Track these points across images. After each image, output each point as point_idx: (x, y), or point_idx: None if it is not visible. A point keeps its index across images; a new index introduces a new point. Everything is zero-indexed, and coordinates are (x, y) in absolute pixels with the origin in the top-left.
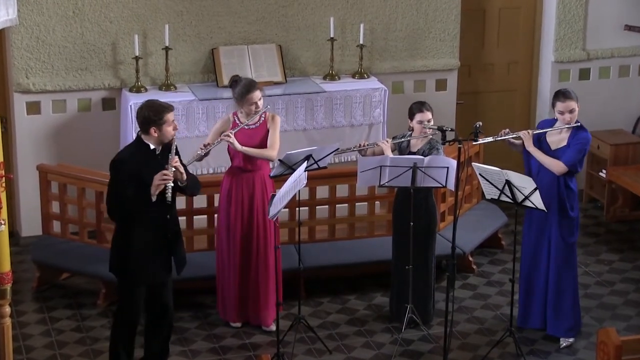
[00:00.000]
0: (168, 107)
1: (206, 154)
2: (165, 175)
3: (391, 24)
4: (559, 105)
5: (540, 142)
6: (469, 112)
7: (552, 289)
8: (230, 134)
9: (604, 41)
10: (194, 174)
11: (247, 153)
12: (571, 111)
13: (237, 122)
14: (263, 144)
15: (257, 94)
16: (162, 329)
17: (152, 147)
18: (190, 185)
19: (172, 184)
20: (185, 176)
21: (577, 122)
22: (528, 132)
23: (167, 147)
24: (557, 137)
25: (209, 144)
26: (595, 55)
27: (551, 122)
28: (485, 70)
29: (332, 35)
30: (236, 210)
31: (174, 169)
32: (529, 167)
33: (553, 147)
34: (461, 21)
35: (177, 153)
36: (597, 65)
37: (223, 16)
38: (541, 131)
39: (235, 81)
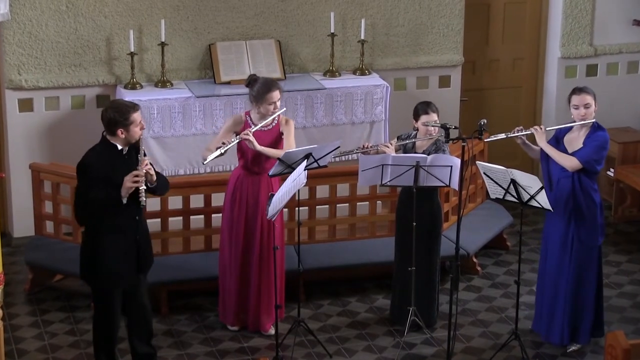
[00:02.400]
0: (133, 107)
1: (222, 154)
2: (136, 176)
3: (393, 19)
4: (574, 99)
5: (557, 144)
6: (473, 110)
7: (571, 297)
8: (249, 133)
9: (612, 36)
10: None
11: (265, 153)
12: (586, 105)
13: (250, 122)
14: (275, 146)
15: (276, 94)
16: (142, 330)
17: (119, 147)
18: (159, 186)
19: (145, 186)
20: (155, 177)
21: (596, 122)
22: (540, 128)
23: (134, 146)
24: (574, 138)
25: (227, 142)
26: (603, 51)
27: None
28: (489, 67)
29: (332, 31)
30: (240, 213)
31: (145, 170)
32: (548, 174)
33: (570, 149)
34: (465, 16)
35: (144, 154)
36: (605, 61)
37: (221, 11)
38: (554, 127)
39: (254, 80)
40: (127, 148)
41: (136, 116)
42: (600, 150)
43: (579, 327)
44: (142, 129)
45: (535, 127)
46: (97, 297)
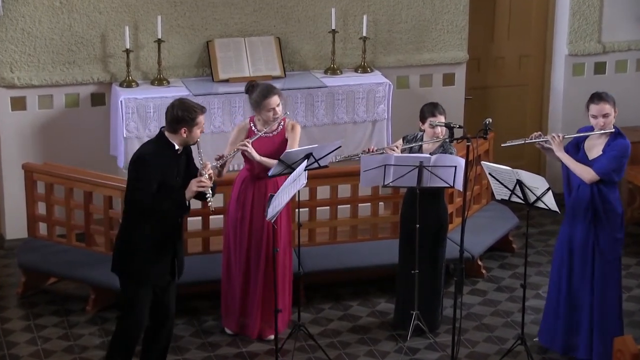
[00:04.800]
0: (201, 109)
1: (222, 166)
2: (202, 182)
3: (396, 15)
4: (592, 109)
5: (578, 150)
6: (477, 108)
7: (597, 311)
8: (247, 143)
9: (621, 33)
10: None
11: (265, 164)
12: (605, 115)
13: (254, 129)
14: (279, 153)
15: (275, 100)
16: (160, 337)
17: (176, 147)
18: (212, 189)
19: (211, 192)
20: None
21: (614, 128)
22: (558, 136)
23: (186, 149)
24: (595, 145)
25: (223, 156)
26: (612, 48)
27: (590, 129)
28: (495, 64)
29: (333, 27)
30: (244, 216)
31: (207, 175)
32: (568, 179)
33: (590, 156)
34: (470, 12)
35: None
36: (613, 59)
37: (219, 7)
38: (573, 135)
39: (252, 86)
40: (181, 148)
41: (202, 118)
42: (618, 160)
43: (608, 342)
44: (202, 131)
45: (553, 135)
46: (127, 293)
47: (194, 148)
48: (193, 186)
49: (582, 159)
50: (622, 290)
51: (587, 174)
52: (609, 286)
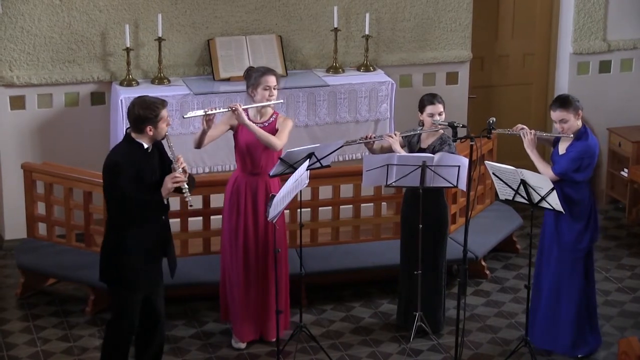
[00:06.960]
0: (162, 103)
1: (208, 126)
2: (176, 178)
3: (399, 13)
4: (551, 114)
5: (556, 145)
6: (481, 107)
7: (551, 302)
8: (239, 105)
9: (626, 31)
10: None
11: (252, 130)
12: (562, 121)
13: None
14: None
15: (272, 79)
16: (154, 339)
17: (145, 146)
18: (189, 183)
19: (187, 186)
20: (187, 174)
21: (583, 128)
22: (530, 132)
23: (157, 143)
24: (563, 142)
25: (213, 108)
26: (617, 47)
27: None
28: (499, 63)
29: (335, 25)
30: (238, 217)
31: (181, 168)
32: None
33: (560, 151)
34: (473, 10)
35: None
36: (619, 57)
37: (220, 5)
38: (545, 134)
39: (251, 69)
40: (151, 146)
41: (164, 112)
42: (577, 161)
43: (556, 341)
44: (168, 125)
45: (524, 131)
46: (117, 300)
47: (164, 142)
48: (168, 183)
49: (555, 153)
50: (627, 291)
51: (546, 174)
52: (571, 284)
